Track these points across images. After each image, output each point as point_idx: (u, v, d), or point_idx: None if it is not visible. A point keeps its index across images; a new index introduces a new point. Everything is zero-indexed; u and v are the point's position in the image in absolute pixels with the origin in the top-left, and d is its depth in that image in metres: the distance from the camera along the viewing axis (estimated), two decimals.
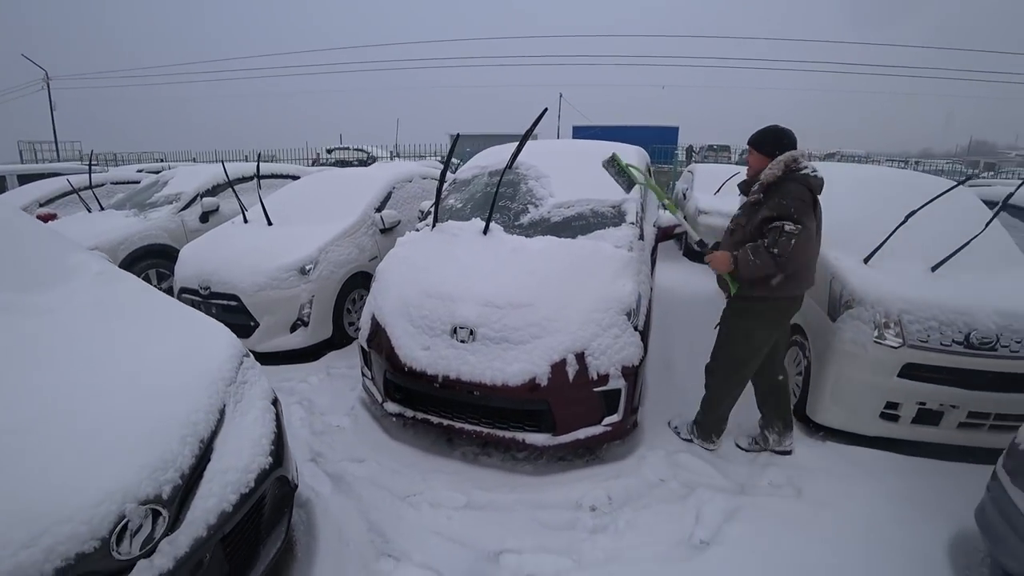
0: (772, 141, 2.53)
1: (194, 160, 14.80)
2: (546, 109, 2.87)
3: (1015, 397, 2.59)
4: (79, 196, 5.43)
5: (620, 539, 2.26)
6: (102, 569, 1.29)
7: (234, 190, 4.66)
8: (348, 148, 16.82)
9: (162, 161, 14.78)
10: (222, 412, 1.79)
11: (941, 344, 2.63)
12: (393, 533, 2.28)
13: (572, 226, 3.17)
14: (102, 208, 5.43)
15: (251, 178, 5.88)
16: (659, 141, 12.15)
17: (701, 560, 2.16)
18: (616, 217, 3.21)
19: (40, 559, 1.19)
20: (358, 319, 4.32)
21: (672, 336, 4.22)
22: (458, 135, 3.43)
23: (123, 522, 1.32)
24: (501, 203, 3.27)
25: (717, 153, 21.80)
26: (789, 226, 2.36)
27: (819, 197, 2.47)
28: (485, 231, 3.03)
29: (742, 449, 2.87)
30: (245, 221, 4.56)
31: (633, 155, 3.85)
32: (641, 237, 3.19)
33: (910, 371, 2.67)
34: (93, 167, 6.31)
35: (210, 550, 1.55)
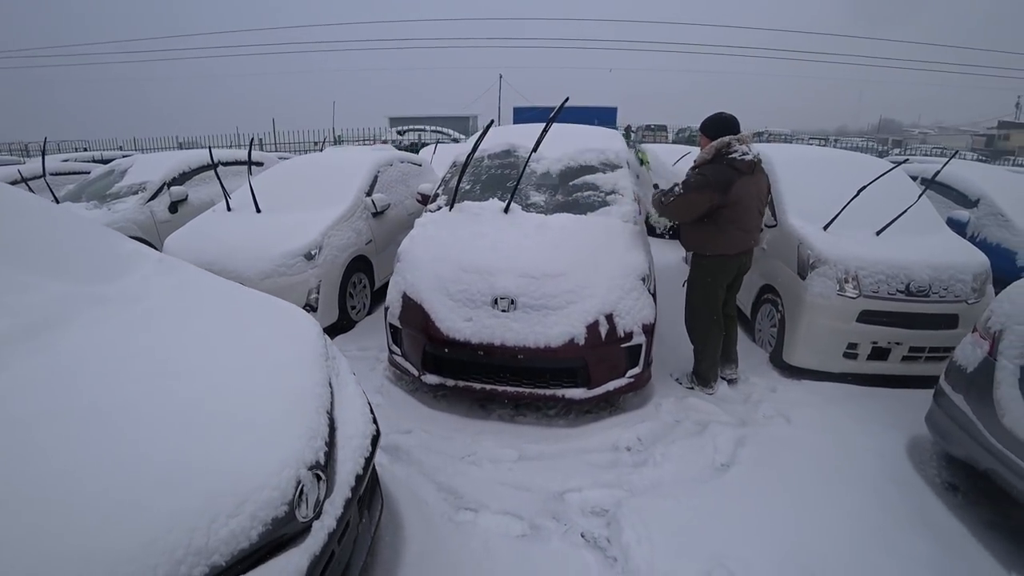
0: (714, 127, 2.93)
1: (120, 149, 13.33)
2: (567, 98, 2.97)
3: (943, 333, 3.09)
4: (28, 187, 4.84)
5: (659, 469, 2.51)
6: (290, 531, 1.31)
7: (218, 176, 4.36)
8: (424, 130, 14.82)
9: (86, 150, 13.15)
10: (330, 385, 1.80)
11: (888, 293, 3.09)
12: (463, 489, 2.38)
13: (582, 203, 3.33)
14: (57, 201, 4.87)
15: (216, 165, 5.51)
16: (598, 121, 12.35)
17: (727, 478, 2.47)
18: (616, 195, 3.41)
19: (247, 525, 1.20)
20: (359, 302, 4.29)
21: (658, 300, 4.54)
22: (492, 121, 3.42)
23: (299, 487, 1.35)
24: (510, 184, 3.36)
25: (655, 132, 22.26)
26: (678, 188, 2.92)
27: (751, 174, 2.85)
28: (506, 210, 3.12)
29: (682, 386, 3.22)
30: (229, 209, 4.31)
31: (614, 137, 4.07)
32: (640, 212, 3.42)
33: (865, 317, 3.11)
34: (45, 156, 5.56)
35: (352, 511, 1.60)
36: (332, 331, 4.00)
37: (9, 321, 1.44)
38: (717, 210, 2.85)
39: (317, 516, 1.40)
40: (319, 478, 1.43)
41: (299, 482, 1.35)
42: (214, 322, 1.81)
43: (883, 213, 3.35)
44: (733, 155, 2.81)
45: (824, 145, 15.02)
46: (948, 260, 3.13)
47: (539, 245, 2.87)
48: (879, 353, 3.17)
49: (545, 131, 2.95)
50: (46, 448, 1.14)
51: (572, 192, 3.39)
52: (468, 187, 3.60)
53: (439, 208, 3.44)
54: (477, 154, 3.85)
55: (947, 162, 3.63)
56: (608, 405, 3.03)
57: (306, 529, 1.36)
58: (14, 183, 5.14)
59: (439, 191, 3.64)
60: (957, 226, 3.99)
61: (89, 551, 1.00)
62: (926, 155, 14.59)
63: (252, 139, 4.58)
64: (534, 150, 3.03)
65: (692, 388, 3.18)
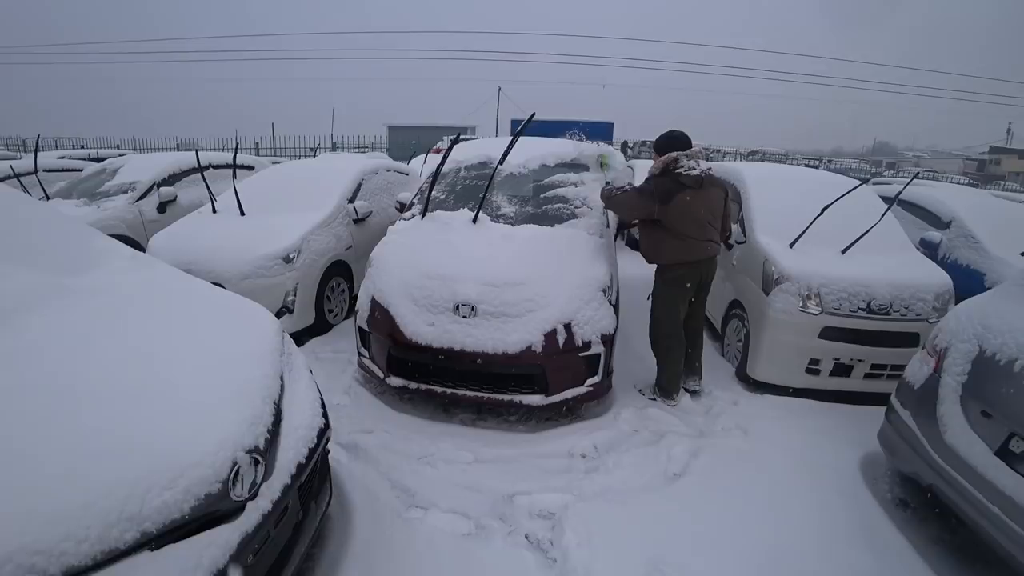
0: (664, 145, 3.17)
1: (118, 148, 13.69)
2: (534, 114, 3.15)
3: (904, 351, 3.20)
4: (20, 183, 5.05)
5: (610, 476, 2.63)
6: (223, 508, 1.44)
7: (204, 178, 4.57)
8: (476, 138, 14.44)
9: (83, 148, 13.46)
10: (282, 378, 1.95)
11: (849, 311, 3.22)
12: (416, 488, 2.51)
13: (550, 215, 3.50)
14: (48, 197, 5.09)
15: (206, 168, 5.73)
16: (595, 136, 12.45)
17: (676, 487, 2.59)
18: (585, 207, 3.57)
19: (180, 498, 1.34)
20: (337, 306, 4.45)
21: (627, 313, 4.67)
22: (459, 135, 3.61)
23: (235, 468, 1.49)
24: (482, 195, 3.53)
25: (651, 148, 22.75)
26: (627, 187, 3.25)
27: (698, 188, 3.04)
28: (475, 220, 3.29)
29: (645, 397, 3.36)
30: (214, 211, 4.50)
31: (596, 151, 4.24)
32: (607, 225, 3.58)
33: (827, 333, 3.24)
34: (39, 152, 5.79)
35: (291, 497, 1.74)
36: (309, 333, 4.16)
37: None
38: (664, 220, 3.06)
39: (252, 497, 1.53)
40: (257, 462, 1.57)
41: (235, 463, 1.49)
42: (175, 315, 1.97)
43: (852, 232, 3.49)
44: (679, 170, 3.02)
45: (817, 166, 15.24)
46: (910, 279, 3.27)
47: (502, 255, 3.03)
48: (841, 370, 3.30)
49: (511, 145, 3.12)
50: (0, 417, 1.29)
51: (542, 204, 3.56)
52: (443, 197, 3.77)
53: (413, 216, 3.62)
54: (455, 165, 4.06)
55: (907, 183, 3.80)
56: (569, 413, 3.16)
57: (240, 508, 1.49)
58: (5, 179, 5.39)
59: (415, 200, 3.82)
60: (930, 247, 4.13)
61: (28, 509, 1.15)
62: (919, 177, 14.85)
63: (237, 144, 4.80)
64: (500, 163, 3.21)
65: (655, 399, 3.31)
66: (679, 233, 3.05)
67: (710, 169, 3.07)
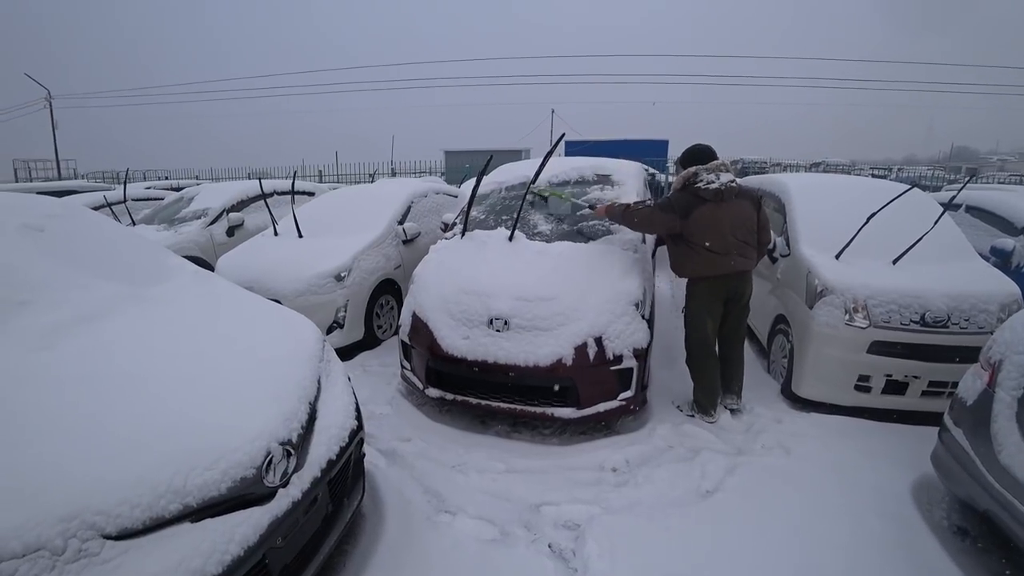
0: (685, 159, 3.27)
1: (196, 179, 15.14)
2: (564, 135, 3.31)
3: (967, 367, 3.03)
4: (112, 211, 5.76)
5: (639, 490, 2.65)
6: (256, 492, 1.63)
7: (267, 204, 5.03)
8: None
9: (167, 179, 15.01)
10: (319, 382, 2.16)
11: (901, 324, 3.09)
12: (447, 494, 2.64)
13: (585, 232, 3.61)
14: (133, 223, 5.77)
15: (270, 195, 6.27)
16: (650, 154, 12.42)
17: (707, 504, 2.56)
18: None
19: (218, 479, 1.54)
20: (386, 322, 4.73)
21: (671, 329, 4.67)
22: (492, 157, 3.82)
23: (268, 457, 1.69)
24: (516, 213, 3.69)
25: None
26: (647, 203, 3.34)
27: (719, 202, 3.06)
28: (511, 238, 3.46)
29: (683, 413, 3.35)
30: (276, 234, 4.93)
31: (633, 170, 4.33)
32: (643, 241, 3.64)
33: (877, 348, 3.12)
34: (129, 184, 6.59)
35: (321, 489, 1.92)
36: (359, 347, 4.44)
37: (70, 310, 1.93)
38: (685, 234, 3.12)
39: (284, 485, 1.72)
40: (289, 454, 1.76)
41: (269, 453, 1.68)
42: (227, 322, 2.24)
43: (906, 241, 3.35)
44: (698, 184, 3.07)
45: (887, 176, 14.37)
46: (969, 289, 3.10)
47: (535, 270, 3.17)
48: (895, 387, 3.15)
49: (543, 165, 3.27)
50: (79, 400, 1.56)
51: (578, 221, 3.67)
52: (483, 217, 3.97)
53: (454, 235, 3.83)
54: (496, 186, 4.26)
55: (962, 187, 3.59)
56: (604, 427, 3.21)
57: (271, 494, 1.68)
58: (99, 207, 6.15)
59: (457, 220, 4.04)
60: (1001, 255, 3.88)
61: (93, 477, 1.38)
62: (1001, 182, 13.62)
63: (295, 172, 5.25)
64: (532, 182, 3.36)
65: (692, 416, 3.29)
66: (700, 247, 3.08)
67: (733, 182, 3.08)
